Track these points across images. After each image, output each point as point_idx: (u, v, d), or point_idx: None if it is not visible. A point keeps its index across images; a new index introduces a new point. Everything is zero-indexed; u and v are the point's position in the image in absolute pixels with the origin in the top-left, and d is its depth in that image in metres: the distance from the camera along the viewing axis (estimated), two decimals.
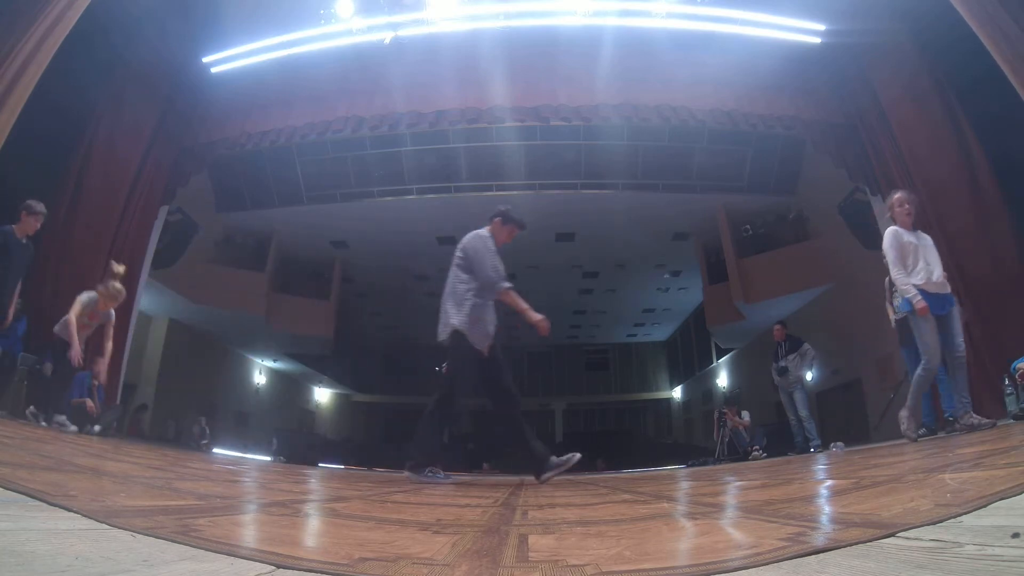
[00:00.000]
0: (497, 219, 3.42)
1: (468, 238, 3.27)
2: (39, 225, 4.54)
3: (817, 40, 7.57)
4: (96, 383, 5.96)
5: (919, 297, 3.66)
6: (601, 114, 8.18)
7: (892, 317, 4.75)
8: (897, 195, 4.05)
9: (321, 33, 7.99)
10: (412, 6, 7.66)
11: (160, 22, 7.40)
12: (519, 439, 3.15)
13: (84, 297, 4.81)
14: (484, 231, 3.34)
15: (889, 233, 3.91)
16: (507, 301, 3.17)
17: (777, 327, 6.89)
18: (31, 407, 4.50)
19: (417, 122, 8.33)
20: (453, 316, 3.10)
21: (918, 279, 3.76)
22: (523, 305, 3.19)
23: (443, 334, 3.18)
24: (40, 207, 4.51)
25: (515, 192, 10.69)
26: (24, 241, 4.43)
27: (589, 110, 8.11)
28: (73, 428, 4.72)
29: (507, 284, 3.14)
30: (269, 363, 15.78)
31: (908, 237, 3.88)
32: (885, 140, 7.13)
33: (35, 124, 4.77)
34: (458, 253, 3.24)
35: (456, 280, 3.18)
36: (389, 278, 14.56)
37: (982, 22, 4.78)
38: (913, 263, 3.82)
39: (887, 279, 4.81)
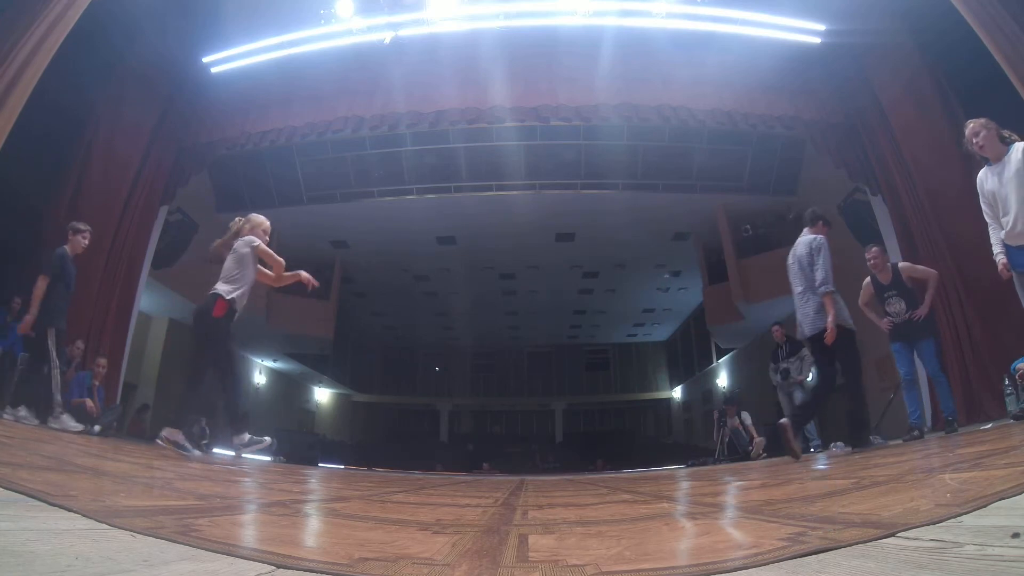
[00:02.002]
0: (820, 222, 3.91)
1: (814, 241, 3.71)
2: (87, 242, 4.92)
3: (817, 40, 7.57)
4: (96, 383, 5.96)
5: (1000, 257, 3.14)
6: (601, 114, 8.19)
7: (877, 320, 4.63)
8: (968, 128, 3.36)
9: (321, 33, 7.98)
10: (412, 6, 7.66)
11: (160, 22, 7.40)
12: (860, 410, 3.75)
13: (250, 243, 3.55)
14: (819, 236, 3.76)
15: (978, 184, 3.34)
16: (827, 302, 3.63)
17: (777, 329, 6.88)
18: (19, 406, 4.45)
19: (417, 122, 8.33)
20: (815, 316, 3.58)
21: (1003, 232, 3.16)
22: (832, 310, 3.67)
23: (813, 329, 3.62)
24: (83, 226, 4.90)
25: (515, 192, 10.70)
26: (72, 259, 4.84)
27: (589, 110, 8.11)
28: (78, 426, 4.68)
29: (834, 288, 3.63)
30: (269, 363, 15.78)
31: (988, 183, 3.24)
32: (885, 140, 7.13)
33: (35, 124, 4.78)
34: (806, 256, 3.67)
35: (811, 281, 3.63)
36: (389, 278, 14.57)
37: (983, 22, 4.78)
38: (1001, 211, 3.18)
39: (866, 280, 4.71)
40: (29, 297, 4.55)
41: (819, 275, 3.61)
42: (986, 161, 3.33)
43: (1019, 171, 3.09)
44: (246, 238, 3.61)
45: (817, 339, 3.59)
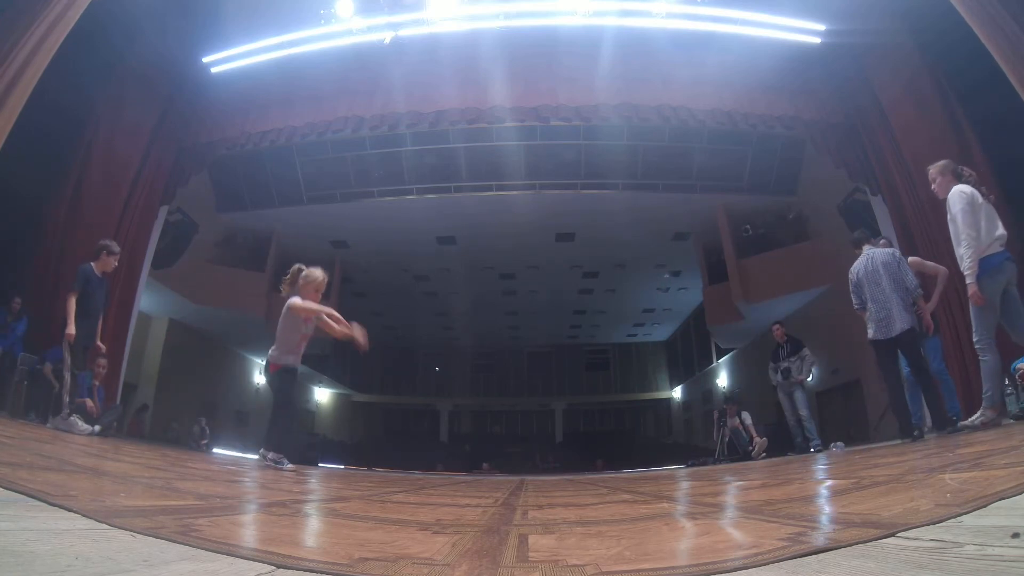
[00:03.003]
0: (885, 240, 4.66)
1: (895, 252, 4.26)
2: (116, 263, 5.01)
3: (817, 40, 7.57)
4: (96, 383, 5.95)
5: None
6: (601, 114, 8.18)
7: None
8: (929, 174, 3.81)
9: (321, 33, 7.98)
10: (412, 6, 7.66)
11: (160, 22, 7.39)
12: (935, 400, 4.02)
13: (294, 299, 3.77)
14: (892, 248, 4.45)
15: None
16: (921, 302, 4.18)
17: (777, 328, 6.87)
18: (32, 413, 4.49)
19: (417, 122, 8.32)
20: (906, 314, 3.98)
21: None
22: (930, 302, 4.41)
23: (898, 330, 3.97)
24: (117, 248, 4.99)
25: (515, 192, 10.69)
26: (101, 276, 4.88)
27: (589, 110, 8.11)
28: (87, 428, 4.69)
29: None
30: None
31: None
32: (885, 140, 7.13)
33: (35, 124, 4.77)
34: (894, 264, 4.12)
35: (901, 284, 4.02)
36: (389, 278, 14.57)
37: (982, 22, 4.77)
38: None
39: None
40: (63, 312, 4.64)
41: (913, 281, 4.08)
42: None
43: (950, 219, 3.47)
44: (291, 300, 3.79)
45: (908, 333, 3.94)
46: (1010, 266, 3.34)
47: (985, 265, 3.29)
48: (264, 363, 3.97)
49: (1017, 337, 3.40)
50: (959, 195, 3.40)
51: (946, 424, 4.01)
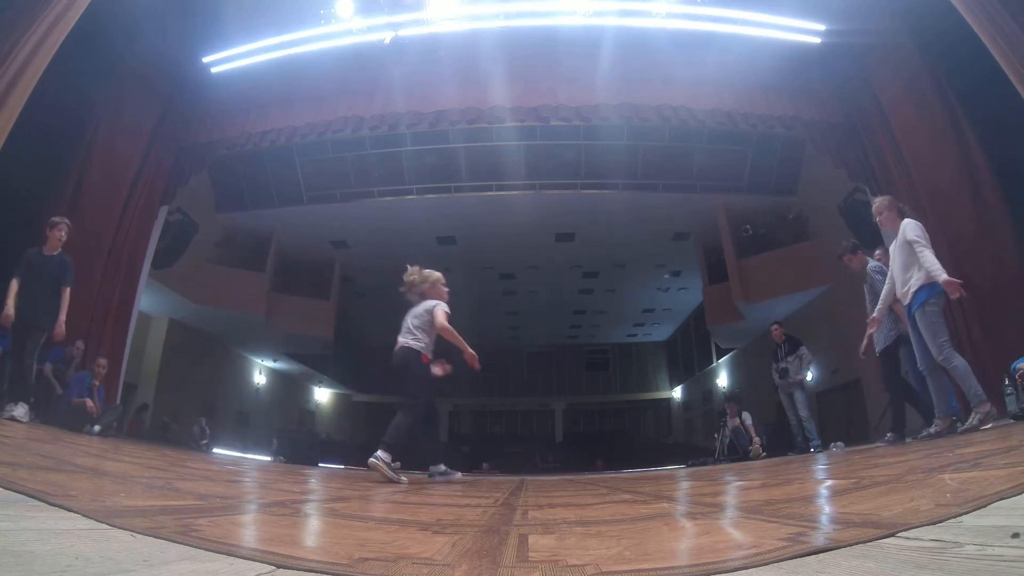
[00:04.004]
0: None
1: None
2: (63, 234, 4.71)
3: (817, 40, 7.57)
4: (96, 383, 5.95)
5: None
6: (601, 114, 8.18)
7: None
8: (874, 207, 4.24)
9: (321, 33, 7.98)
10: (412, 6, 7.66)
11: (160, 22, 7.39)
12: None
13: (443, 306, 3.94)
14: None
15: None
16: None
17: (775, 328, 6.86)
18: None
19: (417, 122, 8.32)
20: None
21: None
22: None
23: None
24: (57, 219, 4.75)
25: (515, 192, 10.70)
26: (55, 255, 4.65)
27: (589, 110, 8.11)
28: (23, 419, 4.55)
29: None
30: (269, 363, 15.78)
31: (891, 255, 4.11)
32: (885, 140, 7.13)
33: (35, 124, 4.77)
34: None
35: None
36: (389, 278, 14.56)
37: (982, 22, 4.77)
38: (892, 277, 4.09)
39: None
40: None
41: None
42: (889, 235, 3.98)
43: (900, 245, 3.81)
44: (443, 307, 3.86)
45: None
46: (944, 296, 3.74)
47: (934, 288, 3.68)
48: (415, 353, 3.83)
49: (926, 362, 3.80)
50: (914, 225, 3.81)
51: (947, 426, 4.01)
